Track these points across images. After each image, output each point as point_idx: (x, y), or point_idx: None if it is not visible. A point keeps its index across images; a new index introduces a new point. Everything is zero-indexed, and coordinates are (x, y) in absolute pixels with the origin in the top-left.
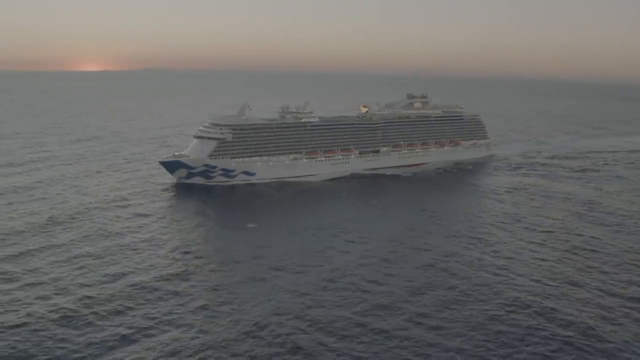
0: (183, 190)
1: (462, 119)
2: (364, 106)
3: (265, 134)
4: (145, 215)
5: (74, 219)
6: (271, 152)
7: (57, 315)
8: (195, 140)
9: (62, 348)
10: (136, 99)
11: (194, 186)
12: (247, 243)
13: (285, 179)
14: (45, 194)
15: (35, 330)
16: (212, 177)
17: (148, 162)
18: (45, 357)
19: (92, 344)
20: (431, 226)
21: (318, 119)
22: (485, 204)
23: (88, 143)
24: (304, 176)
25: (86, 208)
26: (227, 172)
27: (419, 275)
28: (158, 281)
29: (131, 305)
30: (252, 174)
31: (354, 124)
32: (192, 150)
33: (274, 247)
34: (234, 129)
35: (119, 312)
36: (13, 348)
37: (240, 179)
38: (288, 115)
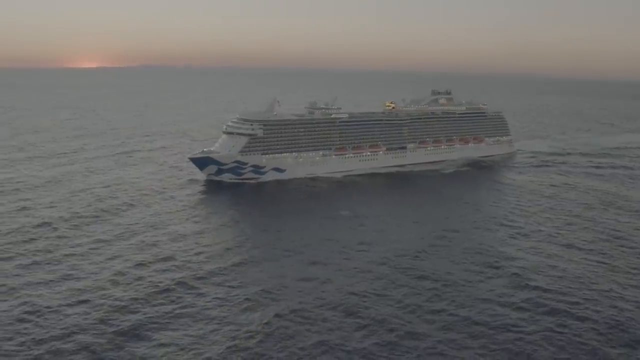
0: (226, 185)
1: (486, 116)
2: (390, 102)
3: (296, 130)
4: (193, 207)
5: (128, 207)
6: (301, 148)
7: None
8: (224, 136)
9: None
10: (139, 95)
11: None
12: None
13: (315, 176)
14: (88, 186)
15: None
16: (242, 174)
17: (176, 156)
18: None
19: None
20: (476, 217)
21: (347, 115)
22: (525, 198)
23: (105, 137)
24: (333, 172)
25: (132, 199)
26: (257, 169)
27: (479, 260)
28: (237, 266)
29: (234, 283)
30: (282, 171)
31: (382, 120)
32: (222, 146)
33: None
34: (265, 125)
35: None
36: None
37: (270, 176)
38: (317, 112)
